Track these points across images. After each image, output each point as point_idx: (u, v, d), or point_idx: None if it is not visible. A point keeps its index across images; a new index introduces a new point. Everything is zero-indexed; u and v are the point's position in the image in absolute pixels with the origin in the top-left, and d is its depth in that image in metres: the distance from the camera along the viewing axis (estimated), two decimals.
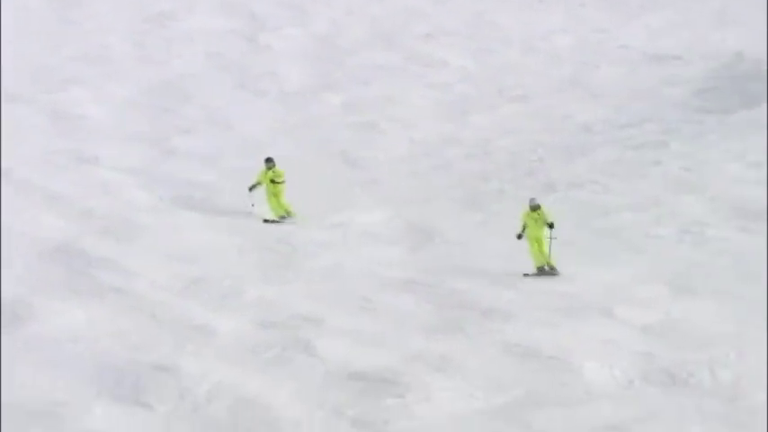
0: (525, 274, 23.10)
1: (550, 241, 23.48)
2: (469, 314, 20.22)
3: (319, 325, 19.45)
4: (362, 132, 35.24)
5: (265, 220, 26.68)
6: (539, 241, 23.39)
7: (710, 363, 18.38)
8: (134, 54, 41.26)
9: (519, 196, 28.19)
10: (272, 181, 26.79)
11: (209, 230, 24.95)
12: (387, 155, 32.84)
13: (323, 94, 38.91)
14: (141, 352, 18.20)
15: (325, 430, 15.54)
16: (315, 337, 18.85)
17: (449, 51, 43.66)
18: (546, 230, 23.31)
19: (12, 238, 23.29)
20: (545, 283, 22.43)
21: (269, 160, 27.04)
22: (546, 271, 23.22)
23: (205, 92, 38.08)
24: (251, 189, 26.88)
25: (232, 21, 45.30)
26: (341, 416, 16.07)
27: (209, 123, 35.13)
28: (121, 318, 19.67)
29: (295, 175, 30.05)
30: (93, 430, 15.37)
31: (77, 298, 20.30)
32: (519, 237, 23.38)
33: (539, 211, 23.18)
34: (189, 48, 42.20)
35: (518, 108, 37.78)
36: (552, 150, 32.92)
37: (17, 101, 34.20)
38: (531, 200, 23.62)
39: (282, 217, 26.74)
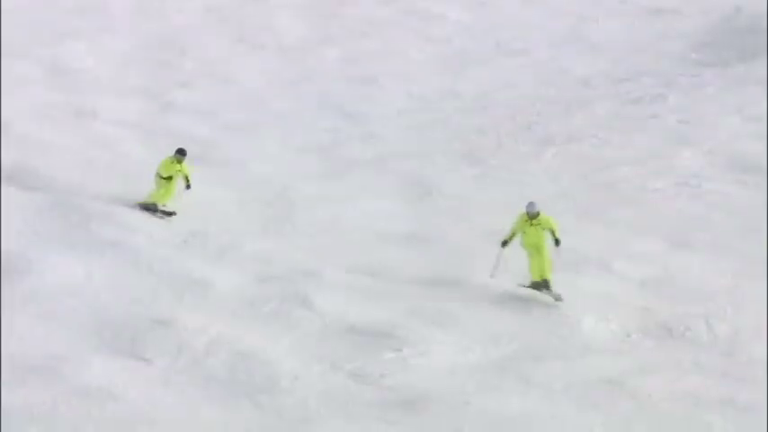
0: (520, 285, 19.06)
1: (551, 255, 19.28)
2: (467, 268, 20.24)
3: (317, 279, 19.42)
4: (360, 86, 35.10)
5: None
6: (539, 249, 18.86)
7: (707, 316, 18.46)
8: (132, 7, 40.99)
9: (517, 150, 28.19)
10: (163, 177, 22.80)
11: (207, 184, 24.85)
12: (384, 109, 32.72)
13: (320, 48, 38.71)
14: (140, 306, 18.22)
15: (323, 384, 15.58)
16: (313, 291, 18.83)
17: (446, 5, 43.38)
18: (549, 242, 18.81)
19: (10, 191, 23.27)
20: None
21: (181, 152, 22.83)
22: (542, 286, 18.73)
23: (203, 45, 37.90)
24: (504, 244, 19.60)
25: None
26: (338, 369, 16.14)
27: (207, 77, 34.96)
28: (120, 272, 19.64)
29: (296, 130, 30.26)
30: (91, 384, 15.33)
31: (76, 252, 20.20)
32: (504, 244, 18.84)
33: (539, 219, 18.69)
34: (187, 1, 42.00)
35: (516, 62, 37.64)
36: (550, 104, 32.79)
37: (15, 55, 34.06)
38: (530, 205, 18.85)
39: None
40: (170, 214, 22.42)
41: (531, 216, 18.58)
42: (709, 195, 24.59)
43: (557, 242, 18.63)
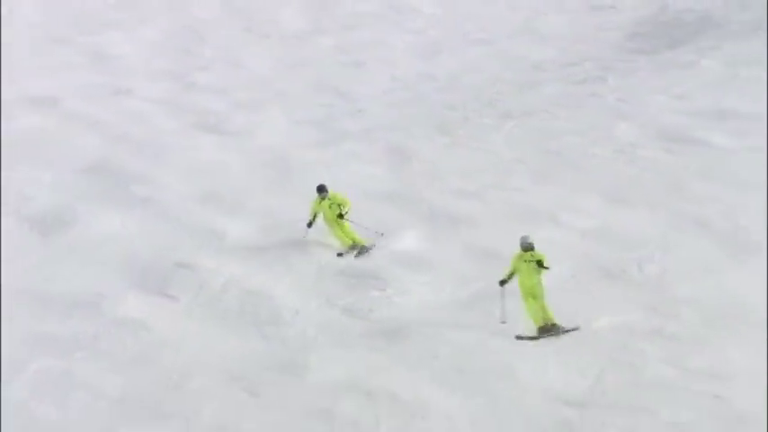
0: (518, 337, 14.81)
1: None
2: (440, 221, 20.06)
3: (314, 230, 19.12)
4: (350, 70, 34.85)
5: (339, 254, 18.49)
6: (534, 294, 15.08)
7: (639, 260, 18.32)
8: (160, 3, 40.63)
9: (481, 123, 27.99)
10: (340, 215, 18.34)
11: (222, 150, 24.69)
12: (371, 89, 32.44)
13: (317, 38, 38.42)
14: (166, 251, 18.15)
15: (320, 317, 15.51)
16: (311, 241, 18.69)
17: (422, 1, 43.14)
18: (540, 277, 15.12)
19: (59, 155, 23.04)
20: (503, 194, 22.03)
21: (322, 189, 18.35)
22: (548, 329, 14.90)
23: (218, 35, 37.65)
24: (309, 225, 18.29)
25: None
26: (333, 305, 16.06)
27: (221, 62, 34.71)
28: (150, 223, 19.56)
29: (296, 106, 30.02)
30: (126, 316, 15.35)
31: (114, 206, 20.10)
32: (502, 283, 15.00)
33: (532, 253, 14.90)
34: None
35: (480, 50, 37.34)
36: (509, 85, 32.53)
37: (62, 42, 33.83)
38: (523, 238, 15.10)
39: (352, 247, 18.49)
40: (365, 249, 18.11)
41: (525, 249, 14.76)
42: (641, 160, 24.39)
43: (543, 266, 14.77)
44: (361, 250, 17.32)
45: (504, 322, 14.73)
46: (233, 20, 39.44)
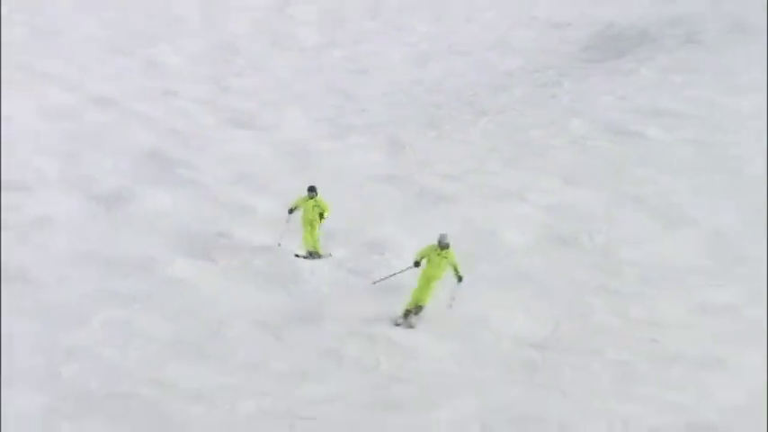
0: (397, 324, 13.52)
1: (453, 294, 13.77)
2: (428, 199, 19.97)
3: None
4: (356, 76, 34.46)
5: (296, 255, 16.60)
6: (429, 282, 13.56)
7: (589, 230, 18.32)
8: (202, 21, 40.25)
9: (463, 119, 27.86)
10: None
11: (253, 142, 24.51)
12: (373, 91, 32.17)
13: (329, 50, 37.99)
14: (208, 224, 18.01)
15: (331, 276, 15.44)
16: (324, 215, 18.50)
17: (415, 20, 42.75)
18: (443, 274, 13.63)
19: (119, 146, 22.94)
20: (480, 176, 21.94)
21: (312, 189, 16.46)
22: (409, 312, 13.54)
23: (249, 48, 37.16)
24: (290, 212, 16.44)
25: None
26: (341, 267, 16.00)
27: (252, 69, 34.30)
28: (195, 200, 19.36)
29: (311, 105, 29.91)
30: (174, 276, 15.26)
31: (165, 187, 19.85)
32: (417, 264, 13.56)
33: (446, 252, 13.41)
34: (239, 17, 41.14)
35: (462, 60, 37.01)
36: (485, 88, 32.27)
37: (121, 53, 33.52)
38: (442, 236, 13.54)
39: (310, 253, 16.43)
40: (318, 256, 16.09)
41: (442, 247, 13.35)
42: (591, 149, 24.26)
43: (459, 279, 13.41)
44: (314, 257, 15.51)
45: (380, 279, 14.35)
46: (262, 35, 39.04)
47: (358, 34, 40.99)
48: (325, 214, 15.58)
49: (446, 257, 13.39)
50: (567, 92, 31.08)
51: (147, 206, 18.83)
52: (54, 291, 14.33)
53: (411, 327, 13.46)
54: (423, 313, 13.68)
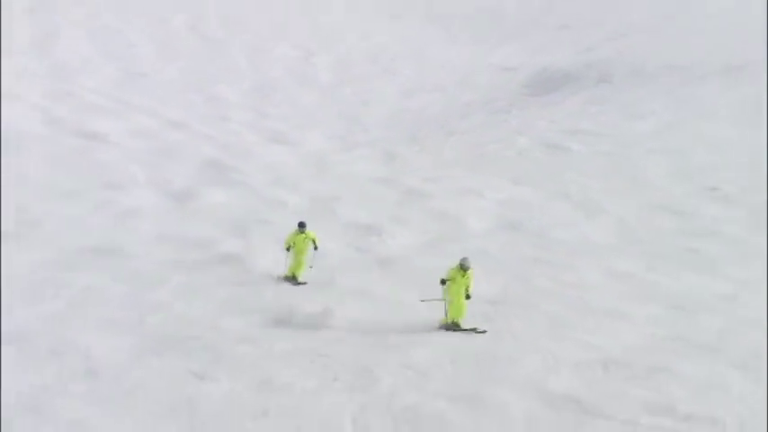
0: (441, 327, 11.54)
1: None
2: (414, 197, 19.83)
3: (338, 201, 19.03)
4: (361, 105, 34.56)
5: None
6: (460, 299, 11.47)
7: (529, 218, 18.23)
8: (249, 67, 40.02)
9: (437, 138, 27.82)
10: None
11: (286, 154, 24.34)
12: (373, 118, 32.20)
13: (342, 87, 38.01)
14: (252, 213, 17.83)
15: (342, 253, 15.24)
16: (337, 207, 18.55)
17: (403, 66, 42.67)
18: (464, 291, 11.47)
19: (190, 156, 22.83)
20: (449, 179, 21.77)
21: (302, 225, 13.56)
22: (450, 328, 11.34)
23: (285, 88, 37.03)
24: (288, 249, 13.47)
25: (297, 51, 43.95)
26: (349, 246, 15.85)
27: (287, 102, 34.17)
28: (242, 197, 19.16)
29: (328, 128, 29.86)
30: (228, 251, 14.96)
31: (221, 187, 19.67)
32: (443, 282, 11.38)
33: (468, 273, 11.39)
34: (275, 64, 41.05)
35: (436, 95, 37.03)
36: (453, 115, 32.27)
37: (190, 90, 33.40)
38: (464, 260, 11.51)
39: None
40: (301, 284, 13.29)
41: (464, 269, 11.44)
42: (531, 159, 24.18)
43: (467, 297, 11.44)
44: (295, 282, 13.27)
45: (423, 301, 11.88)
46: (292, 77, 38.97)
47: (362, 77, 40.97)
48: (317, 243, 13.38)
49: (466, 277, 11.51)
50: (514, 117, 31.04)
51: (208, 200, 18.62)
52: (141, 261, 14.16)
53: (477, 331, 11.34)
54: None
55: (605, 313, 12.48)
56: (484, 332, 11.31)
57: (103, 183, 19.16)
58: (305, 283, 13.18)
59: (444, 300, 11.50)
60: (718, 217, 18.72)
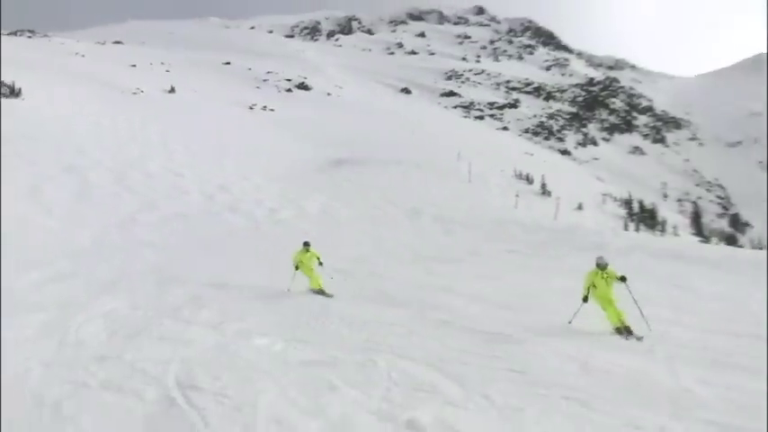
0: (613, 332, 9.90)
1: (631, 294, 10.20)
2: (413, 197, 22.92)
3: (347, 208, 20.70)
4: (359, 142, 38.39)
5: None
6: (610, 302, 10.02)
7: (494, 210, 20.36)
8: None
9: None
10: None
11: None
12: (364, 146, 36.52)
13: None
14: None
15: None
16: (337, 217, 20.52)
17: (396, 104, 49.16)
18: (614, 288, 10.12)
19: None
20: (438, 206, 23.34)
21: (306, 244, 13.67)
22: (622, 332, 9.78)
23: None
24: (296, 268, 13.56)
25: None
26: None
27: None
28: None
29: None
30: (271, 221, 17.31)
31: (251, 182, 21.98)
32: (585, 299, 10.13)
33: (607, 271, 10.09)
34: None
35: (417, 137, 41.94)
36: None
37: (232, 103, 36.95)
38: (599, 258, 10.17)
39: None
40: (324, 294, 12.98)
41: (601, 268, 10.00)
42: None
43: (623, 278, 9.91)
44: (324, 294, 12.97)
45: (570, 323, 10.03)
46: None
47: (353, 129, 42.14)
48: (320, 259, 13.50)
49: (608, 275, 9.93)
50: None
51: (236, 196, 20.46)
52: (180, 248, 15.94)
53: (640, 339, 9.42)
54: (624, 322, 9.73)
55: None
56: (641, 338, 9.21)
57: None
58: (332, 296, 12.40)
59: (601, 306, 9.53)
60: None
